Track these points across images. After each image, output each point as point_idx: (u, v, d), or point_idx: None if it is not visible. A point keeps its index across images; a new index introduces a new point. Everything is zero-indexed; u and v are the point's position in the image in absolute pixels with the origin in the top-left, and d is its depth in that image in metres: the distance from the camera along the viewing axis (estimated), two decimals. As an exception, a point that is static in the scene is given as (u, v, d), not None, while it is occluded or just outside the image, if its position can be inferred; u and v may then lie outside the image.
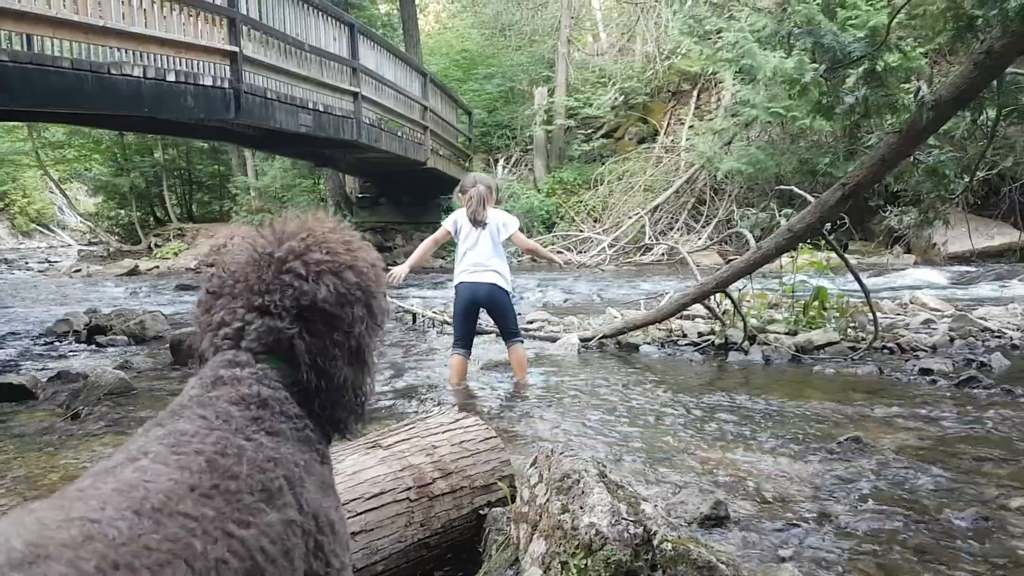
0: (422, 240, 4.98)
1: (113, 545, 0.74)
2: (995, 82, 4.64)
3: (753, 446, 3.36)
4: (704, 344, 5.92)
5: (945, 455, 3.17)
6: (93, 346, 6.71)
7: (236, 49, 8.39)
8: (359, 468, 2.07)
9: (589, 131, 19.64)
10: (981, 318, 6.40)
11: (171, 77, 7.45)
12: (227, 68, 8.40)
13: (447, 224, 4.81)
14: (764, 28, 7.42)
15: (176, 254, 19.94)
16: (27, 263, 21.69)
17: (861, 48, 5.07)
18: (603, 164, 18.49)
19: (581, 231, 16.81)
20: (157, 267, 18.37)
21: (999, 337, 5.93)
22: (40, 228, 34.76)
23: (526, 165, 20.17)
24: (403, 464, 2.13)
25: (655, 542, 1.73)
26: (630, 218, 16.28)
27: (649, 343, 6.09)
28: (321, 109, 10.66)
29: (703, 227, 16.30)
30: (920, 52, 7.07)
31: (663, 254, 15.05)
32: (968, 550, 2.28)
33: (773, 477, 2.95)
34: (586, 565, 1.72)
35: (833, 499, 2.71)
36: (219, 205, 25.01)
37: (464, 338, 4.74)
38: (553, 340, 6.23)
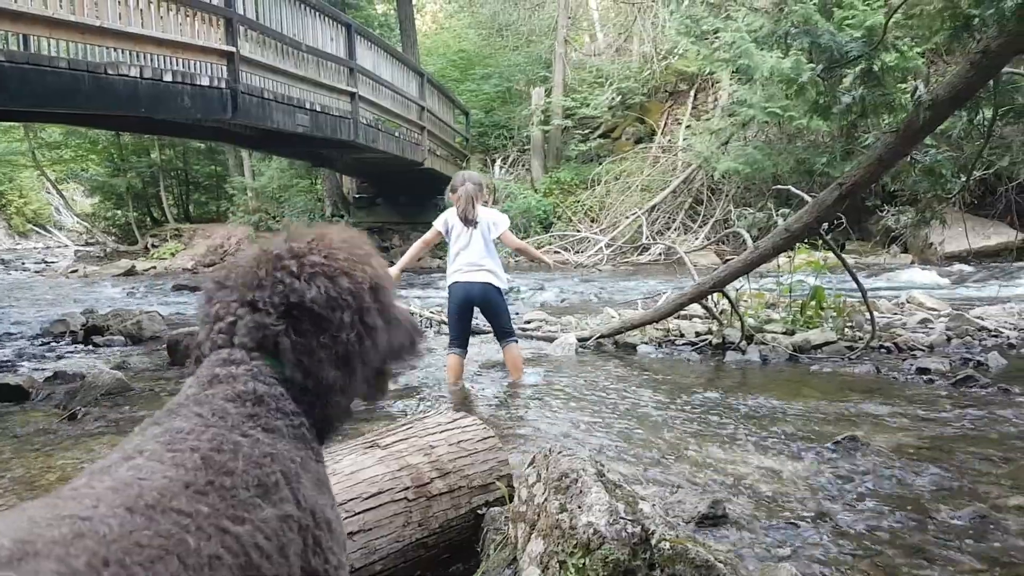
0: None
1: (104, 542, 0.74)
2: (992, 82, 4.64)
3: (750, 445, 3.37)
4: (702, 344, 5.93)
5: (942, 454, 3.18)
6: (90, 346, 6.70)
7: (233, 49, 8.38)
8: (357, 468, 2.07)
9: (586, 131, 19.63)
10: (978, 317, 6.41)
11: (168, 77, 7.44)
12: (224, 68, 8.39)
13: (438, 224, 4.76)
14: (761, 28, 7.43)
15: (173, 254, 19.91)
16: (24, 264, 21.65)
17: (858, 48, 5.07)
18: (600, 164, 18.49)
19: (578, 231, 16.81)
20: (154, 267, 18.36)
21: (996, 336, 5.94)
22: (37, 229, 34.67)
23: (523, 165, 20.17)
24: (401, 464, 2.13)
25: (653, 541, 1.73)
26: (627, 218, 16.29)
27: (647, 343, 6.09)
28: (318, 109, 10.65)
29: (700, 227, 16.31)
30: (917, 52, 7.09)
31: (660, 254, 15.06)
32: (966, 549, 2.28)
33: (771, 476, 2.95)
34: (584, 564, 1.72)
35: (831, 498, 2.71)
36: (216, 205, 24.96)
37: (460, 338, 4.73)
38: (551, 340, 6.23)
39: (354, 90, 11.92)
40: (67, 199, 30.70)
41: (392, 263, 5.71)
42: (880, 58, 5.09)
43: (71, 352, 6.48)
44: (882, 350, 5.54)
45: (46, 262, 22.01)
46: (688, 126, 17.87)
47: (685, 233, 16.33)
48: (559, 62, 19.82)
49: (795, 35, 5.29)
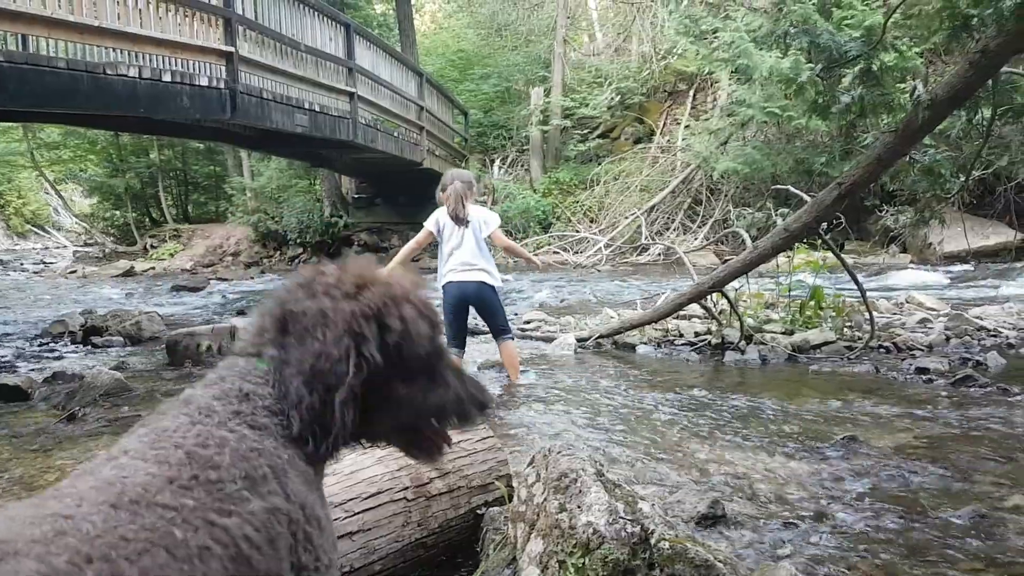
0: None
1: (87, 539, 0.74)
2: (990, 81, 4.64)
3: (750, 445, 3.37)
4: (701, 344, 5.92)
5: (941, 454, 3.18)
6: (89, 347, 6.69)
7: (232, 49, 8.37)
8: (356, 468, 2.07)
9: (585, 131, 19.62)
10: (977, 317, 6.41)
11: (167, 77, 7.43)
12: (223, 68, 8.38)
13: (429, 225, 4.71)
14: (760, 28, 7.43)
15: (172, 255, 19.91)
16: (22, 264, 21.65)
17: (857, 48, 5.07)
18: (599, 164, 18.48)
19: (577, 231, 16.80)
20: (153, 268, 18.35)
21: (995, 336, 5.94)
22: (35, 229, 34.65)
23: (522, 165, 20.15)
24: (400, 464, 2.13)
25: (652, 541, 1.73)
26: (626, 218, 16.28)
27: (646, 343, 6.09)
28: (317, 109, 10.64)
29: (699, 227, 16.30)
30: (916, 51, 7.08)
31: (659, 254, 15.06)
32: (965, 548, 2.28)
33: (770, 476, 2.95)
34: (584, 564, 1.72)
35: (830, 498, 2.71)
36: (215, 206, 24.94)
37: (456, 338, 4.72)
38: (549, 340, 6.23)
39: (353, 90, 11.91)
40: (66, 199, 30.69)
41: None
42: (879, 58, 5.09)
43: (70, 353, 6.47)
44: (881, 350, 5.54)
45: (45, 263, 22.00)
46: (687, 126, 17.86)
47: (684, 233, 16.32)
48: (558, 62, 19.81)
49: (794, 35, 5.29)
